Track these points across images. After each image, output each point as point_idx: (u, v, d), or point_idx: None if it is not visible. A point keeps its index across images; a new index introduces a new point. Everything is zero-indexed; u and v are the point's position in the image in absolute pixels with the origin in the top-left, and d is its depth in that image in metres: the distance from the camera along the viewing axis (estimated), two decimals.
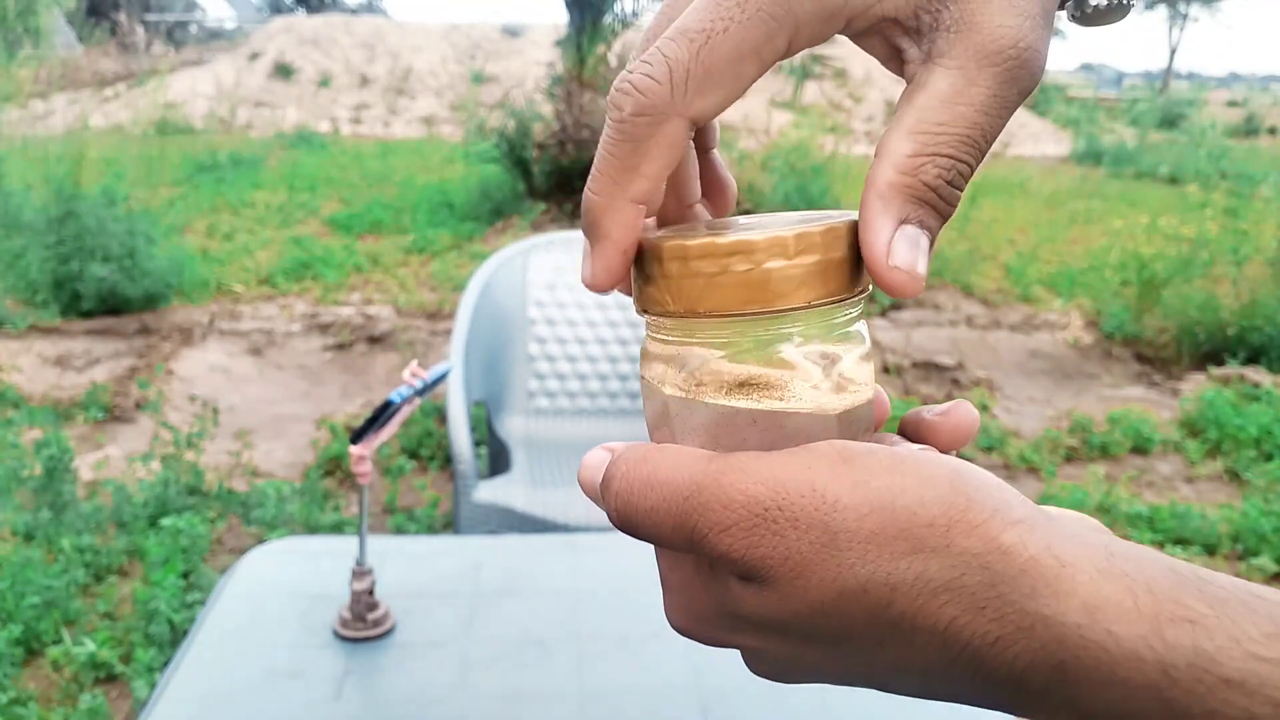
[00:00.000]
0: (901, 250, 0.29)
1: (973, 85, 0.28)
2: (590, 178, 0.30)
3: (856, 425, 0.31)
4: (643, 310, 0.32)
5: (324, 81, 16.20)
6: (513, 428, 2.42)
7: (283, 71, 16.26)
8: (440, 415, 3.39)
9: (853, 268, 0.30)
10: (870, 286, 0.31)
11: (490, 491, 1.93)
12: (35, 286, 4.77)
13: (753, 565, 0.27)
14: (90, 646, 2.11)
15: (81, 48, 17.24)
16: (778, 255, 0.29)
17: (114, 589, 2.40)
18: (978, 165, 0.29)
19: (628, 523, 0.30)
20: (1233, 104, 21.02)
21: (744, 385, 0.29)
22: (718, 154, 0.37)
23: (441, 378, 1.18)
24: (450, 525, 2.65)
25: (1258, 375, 4.11)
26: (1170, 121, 16.45)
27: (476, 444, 2.13)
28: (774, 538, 0.26)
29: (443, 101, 15.63)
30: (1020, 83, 0.28)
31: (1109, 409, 3.81)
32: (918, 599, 0.26)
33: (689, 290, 0.29)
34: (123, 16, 18.48)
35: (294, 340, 4.59)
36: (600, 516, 1.90)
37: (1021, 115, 16.41)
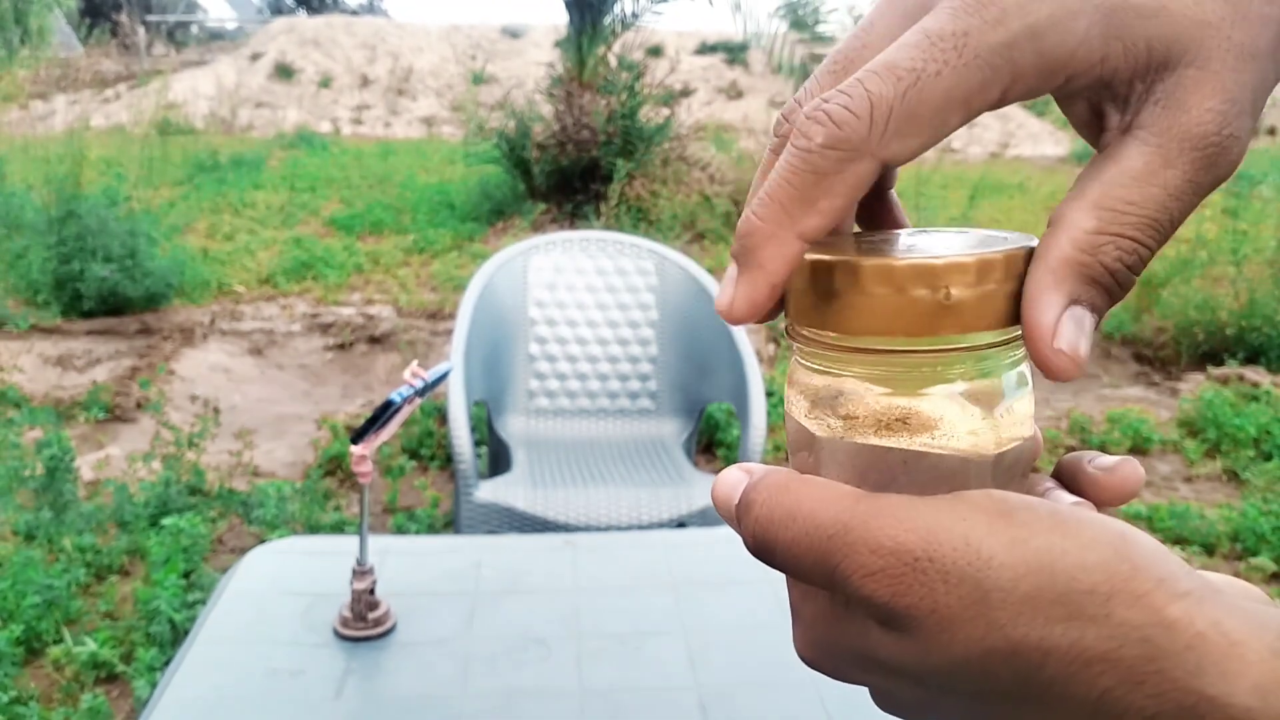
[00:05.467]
0: (1068, 332, 0.27)
1: (1169, 167, 0.27)
2: (757, 200, 0.28)
3: (1013, 470, 0.29)
4: (794, 332, 0.30)
5: (325, 82, 16.20)
6: (513, 428, 2.43)
7: (283, 72, 16.26)
8: (441, 415, 3.39)
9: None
10: None
11: (491, 491, 1.94)
12: (36, 286, 4.77)
13: (896, 614, 0.26)
14: (91, 646, 2.11)
15: (82, 48, 17.24)
16: (959, 283, 0.27)
17: (115, 589, 2.40)
18: (1158, 250, 0.28)
19: (765, 551, 0.29)
20: None
21: (899, 422, 0.28)
22: (895, 195, 0.35)
23: (442, 378, 1.19)
24: (451, 525, 2.66)
25: (1257, 375, 4.12)
26: None
27: (477, 444, 2.13)
28: (922, 589, 0.25)
29: (443, 102, 15.63)
30: (1217, 170, 0.27)
31: (1108, 409, 3.81)
32: (1071, 666, 0.24)
33: (854, 314, 0.27)
34: (123, 17, 18.47)
35: (295, 340, 4.59)
36: (600, 516, 1.90)
37: (1020, 116, 16.39)
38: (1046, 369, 0.27)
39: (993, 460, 0.28)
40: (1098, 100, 0.28)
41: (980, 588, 0.25)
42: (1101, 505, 0.30)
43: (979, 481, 0.28)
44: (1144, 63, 0.27)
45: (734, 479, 0.30)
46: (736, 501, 0.30)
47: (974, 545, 0.25)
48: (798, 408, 0.30)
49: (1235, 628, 0.24)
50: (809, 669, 0.32)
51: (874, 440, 0.28)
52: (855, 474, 0.28)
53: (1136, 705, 0.24)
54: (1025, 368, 0.29)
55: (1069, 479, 0.31)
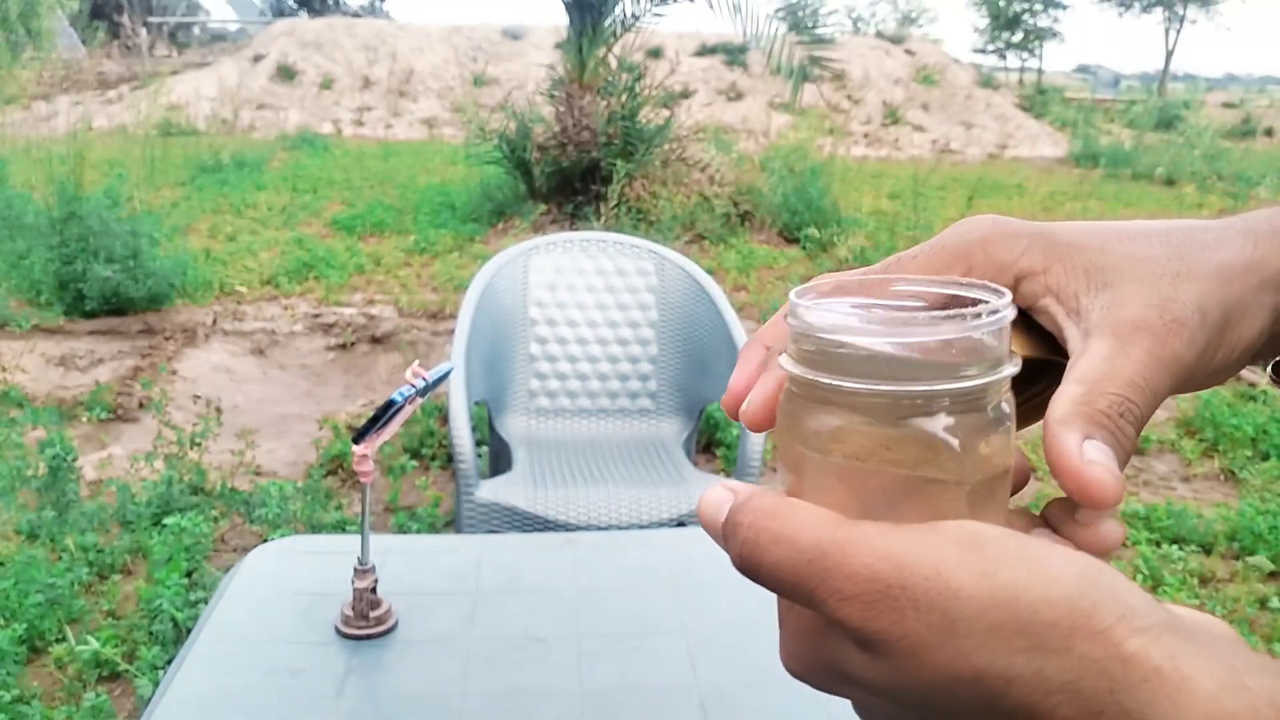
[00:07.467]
0: (1093, 450, 0.30)
1: (1128, 345, 0.32)
2: None
3: (990, 500, 0.31)
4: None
5: (326, 83, 16.21)
6: (514, 427, 2.44)
7: (285, 73, 16.28)
8: (442, 415, 3.40)
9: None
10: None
11: (491, 491, 1.95)
12: (39, 287, 4.78)
13: (869, 637, 0.28)
14: (94, 645, 2.12)
15: (85, 50, 17.26)
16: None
17: (117, 588, 2.41)
18: (1147, 412, 0.32)
19: (750, 571, 0.31)
20: (1229, 105, 20.95)
21: (882, 449, 0.30)
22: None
23: (443, 377, 1.20)
24: (452, 524, 2.67)
25: (1254, 375, 4.12)
26: (1167, 123, 16.42)
27: (478, 443, 2.14)
28: (892, 614, 0.27)
29: (444, 103, 15.64)
30: (1173, 345, 0.32)
31: None
32: (1032, 695, 0.26)
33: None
34: (126, 19, 18.48)
35: (297, 340, 4.60)
36: (600, 516, 1.91)
37: (1019, 117, 16.37)
38: (1084, 486, 0.30)
39: (970, 489, 0.30)
40: (1054, 315, 0.35)
41: (948, 616, 0.26)
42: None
43: (956, 510, 0.29)
44: (1084, 282, 0.34)
45: (719, 498, 0.32)
46: (723, 520, 0.32)
47: (944, 576, 0.27)
48: (788, 433, 0.32)
49: (1189, 663, 0.25)
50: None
51: (857, 467, 0.30)
52: (839, 498, 0.30)
53: None
54: (1005, 403, 0.31)
55: (1055, 523, 0.33)
